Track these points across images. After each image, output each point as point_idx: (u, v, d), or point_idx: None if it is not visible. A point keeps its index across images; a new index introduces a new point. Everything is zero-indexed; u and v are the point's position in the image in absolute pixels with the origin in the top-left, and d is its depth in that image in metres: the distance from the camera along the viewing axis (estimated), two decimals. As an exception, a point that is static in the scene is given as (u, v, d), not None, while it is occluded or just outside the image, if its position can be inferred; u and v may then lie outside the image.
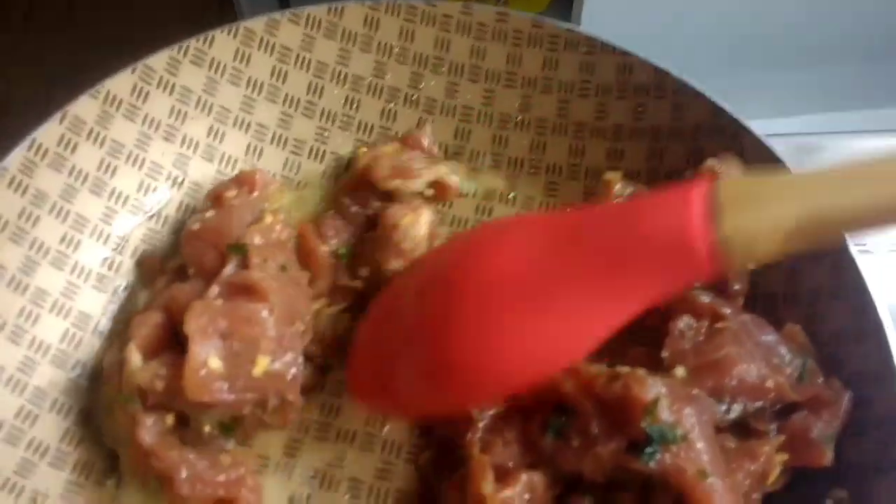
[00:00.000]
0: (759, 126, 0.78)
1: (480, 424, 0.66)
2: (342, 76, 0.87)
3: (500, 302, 0.60)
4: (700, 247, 0.54)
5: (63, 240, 0.75)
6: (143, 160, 0.80)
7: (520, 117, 0.87)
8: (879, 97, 1.13)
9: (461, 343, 0.61)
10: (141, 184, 0.80)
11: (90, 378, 0.74)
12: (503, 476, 0.63)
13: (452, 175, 0.83)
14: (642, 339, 0.71)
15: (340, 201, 0.81)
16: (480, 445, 0.65)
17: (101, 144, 0.78)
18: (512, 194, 0.87)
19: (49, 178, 0.74)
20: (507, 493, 0.61)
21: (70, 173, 0.76)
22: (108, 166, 0.78)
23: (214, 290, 0.68)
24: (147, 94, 0.79)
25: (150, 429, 0.66)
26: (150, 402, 0.66)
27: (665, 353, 0.66)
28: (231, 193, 0.77)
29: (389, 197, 0.80)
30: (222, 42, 0.82)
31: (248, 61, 0.84)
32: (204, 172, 0.83)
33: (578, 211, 0.67)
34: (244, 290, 0.68)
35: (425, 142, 0.85)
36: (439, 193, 0.83)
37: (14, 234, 0.72)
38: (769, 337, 0.67)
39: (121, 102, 0.78)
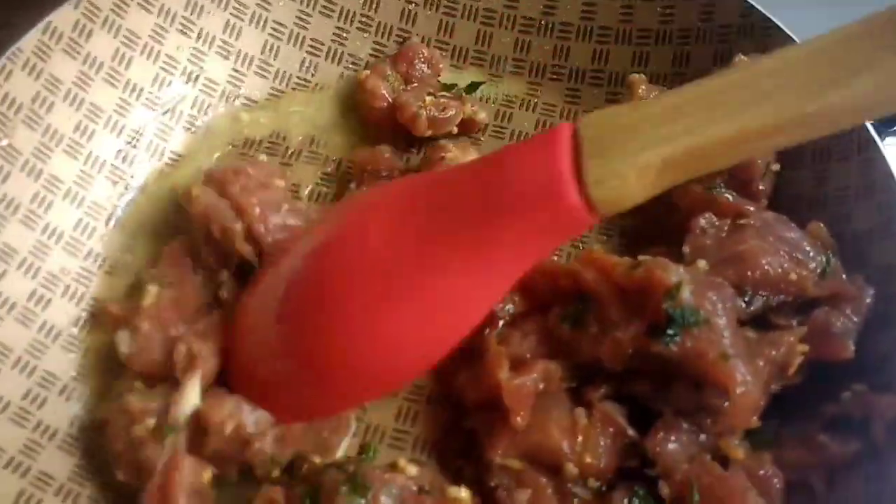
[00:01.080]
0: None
1: (500, 322, 0.66)
2: (362, -26, 0.85)
3: (372, 283, 0.58)
4: (570, 195, 0.52)
5: (77, 129, 0.74)
6: (159, 53, 0.79)
7: (543, 21, 0.85)
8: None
9: (341, 341, 0.58)
10: (156, 77, 0.79)
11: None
12: (519, 366, 0.62)
13: (480, 112, 0.82)
14: (663, 240, 0.70)
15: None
16: (498, 339, 0.64)
17: (117, 33, 0.76)
18: (534, 101, 0.85)
19: (63, 65, 0.73)
20: (522, 379, 0.60)
21: (84, 61, 0.74)
22: (123, 57, 0.77)
23: None
24: (162, -15, 0.78)
25: (185, 476, 0.58)
26: (210, 443, 0.61)
27: (686, 248, 0.65)
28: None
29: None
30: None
31: (266, -44, 0.82)
32: (220, 69, 0.82)
33: (441, 173, 0.65)
34: None
35: (419, 57, 0.83)
36: (468, 127, 0.82)
37: (28, 119, 0.71)
38: (793, 234, 0.65)
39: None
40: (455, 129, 0.81)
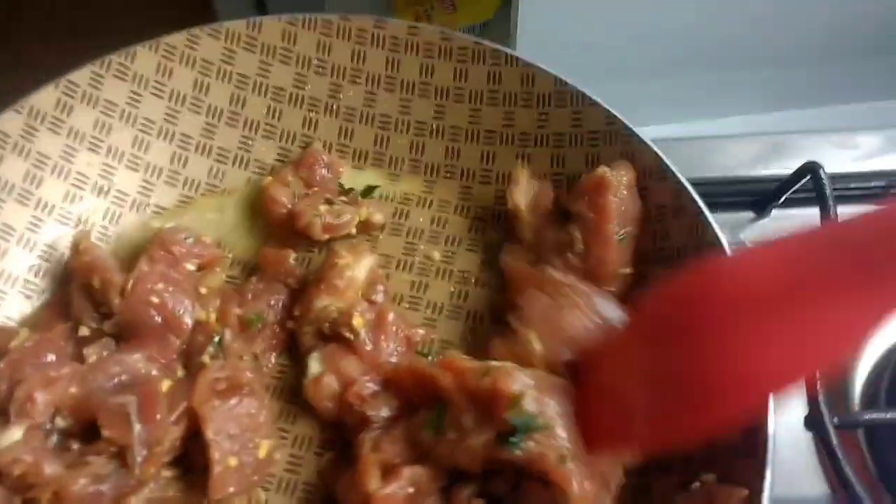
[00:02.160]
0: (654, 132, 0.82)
1: (374, 424, 0.71)
2: (264, 87, 0.91)
3: (753, 313, 0.59)
4: None
5: (-11, 247, 0.79)
6: (69, 171, 0.84)
7: (435, 125, 0.91)
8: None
9: (714, 360, 0.60)
10: (67, 194, 0.84)
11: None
12: (389, 472, 0.67)
13: (376, 214, 0.88)
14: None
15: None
16: (371, 444, 0.69)
17: (27, 157, 0.82)
18: (430, 198, 0.91)
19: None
20: (391, 488, 0.65)
21: (-4, 184, 0.80)
22: (35, 178, 0.82)
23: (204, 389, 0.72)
24: (71, 107, 0.84)
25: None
26: (3, 481, 0.67)
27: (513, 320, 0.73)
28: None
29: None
30: (144, 57, 0.86)
31: (170, 75, 0.88)
32: (130, 181, 0.88)
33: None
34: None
35: (319, 162, 0.89)
36: (365, 228, 0.88)
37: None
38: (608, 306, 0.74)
39: (44, 116, 0.82)
40: (353, 231, 0.87)
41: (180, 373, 0.77)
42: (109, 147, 0.86)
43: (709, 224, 0.76)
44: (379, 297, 0.82)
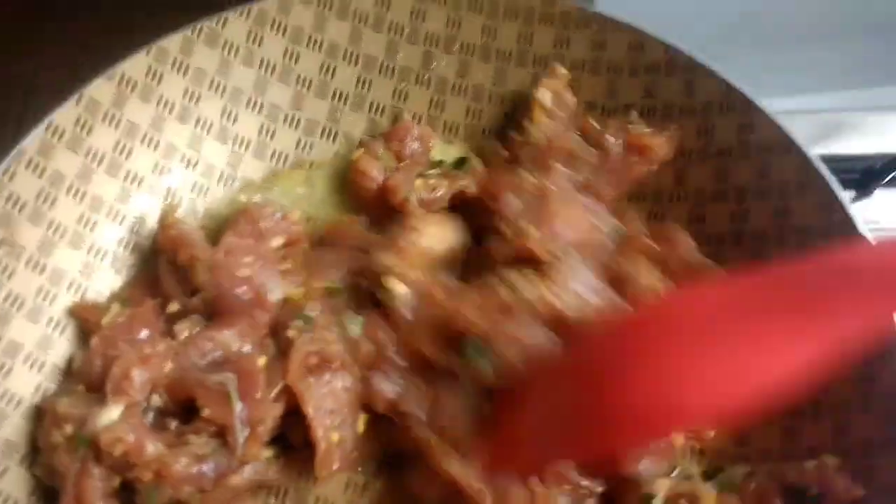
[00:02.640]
0: (781, 103, 0.77)
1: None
2: (354, 56, 0.87)
3: (682, 340, 0.58)
4: None
5: (80, 220, 0.77)
6: (159, 142, 0.82)
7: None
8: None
9: (644, 387, 0.59)
10: (156, 165, 0.82)
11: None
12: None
13: (471, 186, 0.83)
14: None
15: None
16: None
17: (117, 126, 0.79)
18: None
19: (66, 160, 0.76)
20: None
21: (87, 154, 0.77)
22: (124, 148, 0.80)
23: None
24: (161, 75, 0.81)
25: (96, 483, 0.65)
26: (103, 460, 0.65)
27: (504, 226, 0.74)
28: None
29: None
30: (235, 24, 0.83)
31: (260, 42, 0.84)
32: (218, 153, 0.85)
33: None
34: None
35: (410, 135, 0.85)
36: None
37: (32, 215, 0.74)
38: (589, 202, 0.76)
39: (136, 84, 0.79)
40: (446, 206, 0.83)
41: (272, 350, 0.74)
42: (198, 117, 0.84)
43: (840, 203, 0.71)
44: (446, 281, 0.77)
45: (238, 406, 0.67)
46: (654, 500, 0.64)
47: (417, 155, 0.86)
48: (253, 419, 0.67)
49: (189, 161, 0.83)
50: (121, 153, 0.80)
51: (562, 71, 0.84)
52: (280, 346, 0.72)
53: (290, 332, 0.72)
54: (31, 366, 0.72)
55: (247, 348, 0.72)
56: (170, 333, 0.73)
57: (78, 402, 0.68)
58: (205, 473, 0.66)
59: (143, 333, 0.73)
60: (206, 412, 0.67)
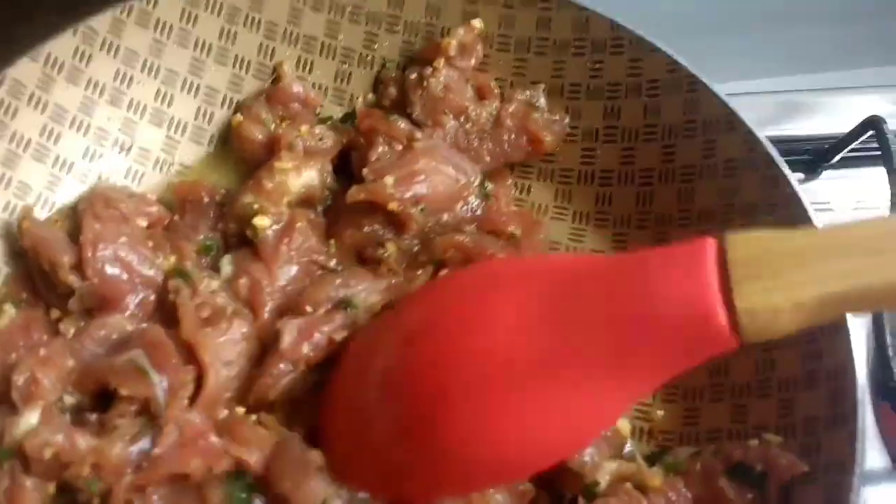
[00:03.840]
0: (731, 87, 0.77)
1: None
2: (294, 36, 0.85)
3: (493, 378, 0.53)
4: (719, 319, 0.47)
5: (5, 209, 0.74)
6: (89, 126, 0.78)
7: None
8: (858, 57, 1.11)
9: (452, 427, 0.54)
10: (86, 150, 0.78)
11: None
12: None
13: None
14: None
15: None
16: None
17: (44, 109, 0.76)
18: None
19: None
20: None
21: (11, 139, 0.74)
22: (52, 132, 0.76)
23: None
24: (90, 56, 0.77)
25: (31, 493, 0.62)
26: (32, 468, 0.62)
27: (366, 171, 0.73)
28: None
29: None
30: (168, 3, 0.80)
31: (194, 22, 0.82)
32: (153, 138, 0.82)
33: (576, 260, 0.60)
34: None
35: (292, 96, 0.83)
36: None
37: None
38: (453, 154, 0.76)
39: (62, 66, 0.76)
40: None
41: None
42: (131, 100, 0.80)
43: (784, 177, 0.70)
44: (311, 215, 0.77)
45: (155, 377, 0.65)
46: (597, 487, 0.63)
47: (302, 114, 0.83)
48: (174, 386, 0.65)
49: (122, 146, 0.80)
50: (48, 137, 0.76)
51: (476, 24, 0.82)
52: (171, 315, 0.70)
53: (171, 294, 0.70)
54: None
55: (144, 325, 0.70)
56: (57, 334, 0.70)
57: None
58: (142, 451, 0.63)
59: (38, 335, 0.70)
60: (124, 392, 0.64)
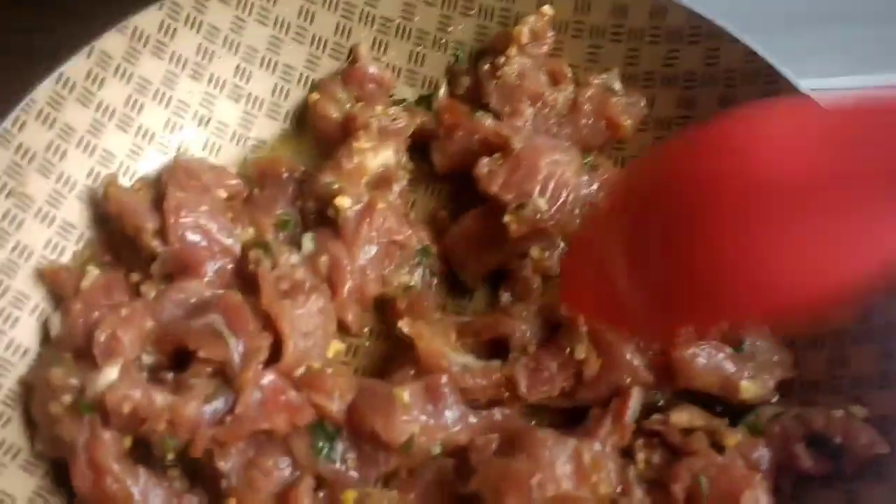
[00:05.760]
0: (816, 83, 0.76)
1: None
2: (370, 17, 0.86)
3: (762, 209, 0.50)
4: None
5: (90, 174, 0.76)
6: (171, 98, 0.81)
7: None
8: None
9: (713, 257, 0.52)
10: (167, 122, 0.81)
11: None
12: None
13: (431, 123, 0.83)
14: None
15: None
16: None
17: (129, 81, 0.78)
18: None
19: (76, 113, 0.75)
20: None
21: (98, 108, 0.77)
22: (136, 103, 0.79)
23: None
24: (175, 30, 0.79)
25: (108, 446, 0.64)
26: (111, 422, 0.64)
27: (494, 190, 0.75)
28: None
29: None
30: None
31: (275, 1, 0.83)
32: (231, 112, 0.84)
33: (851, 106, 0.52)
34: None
35: (367, 76, 0.84)
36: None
37: (41, 167, 0.73)
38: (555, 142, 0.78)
39: (148, 39, 0.78)
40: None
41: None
42: (211, 75, 0.82)
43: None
44: (389, 196, 0.78)
45: (232, 340, 0.67)
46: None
47: (377, 95, 0.84)
48: (249, 350, 0.67)
49: (201, 119, 0.82)
50: (132, 108, 0.79)
51: (547, 10, 0.83)
52: (248, 284, 0.72)
53: (251, 264, 0.72)
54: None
55: (221, 292, 0.72)
56: (138, 296, 0.73)
57: (69, 370, 0.67)
58: (216, 411, 0.65)
59: (119, 296, 0.73)
60: (202, 354, 0.67)
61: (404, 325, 0.71)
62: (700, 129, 0.54)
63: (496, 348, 0.73)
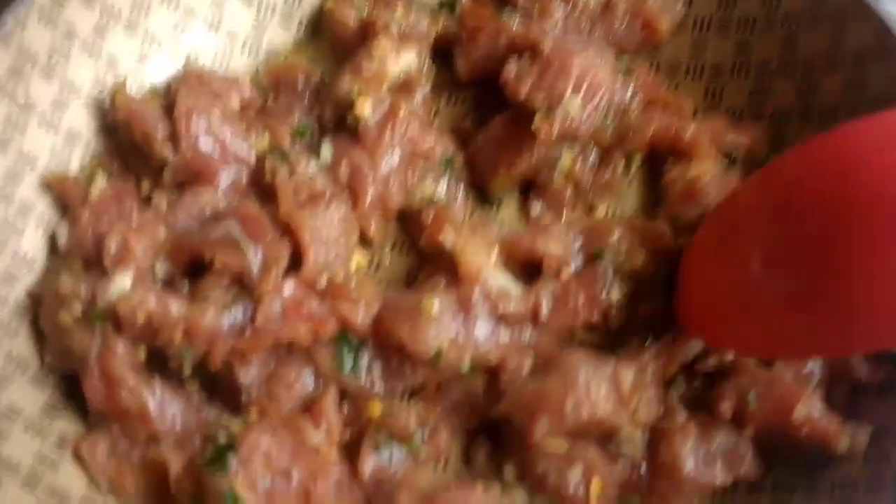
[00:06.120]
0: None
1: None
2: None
3: None
4: None
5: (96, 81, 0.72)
6: (179, 1, 0.76)
7: None
8: None
9: (859, 277, 0.49)
10: (176, 25, 0.76)
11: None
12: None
13: (453, 28, 0.77)
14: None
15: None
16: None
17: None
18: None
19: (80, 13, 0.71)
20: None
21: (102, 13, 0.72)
22: (142, 5, 0.74)
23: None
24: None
25: (121, 357, 0.61)
26: (124, 332, 0.62)
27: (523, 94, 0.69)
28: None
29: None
30: None
31: None
32: (241, 18, 0.79)
33: None
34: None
35: None
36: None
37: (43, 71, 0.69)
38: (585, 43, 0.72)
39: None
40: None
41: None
42: (221, -23, 0.78)
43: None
44: (412, 103, 0.73)
45: (250, 248, 0.63)
46: None
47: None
48: (268, 259, 0.63)
49: (211, 23, 0.78)
50: (139, 11, 0.74)
51: None
52: (264, 194, 0.69)
53: (268, 173, 0.68)
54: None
55: (236, 202, 0.68)
56: (149, 206, 0.69)
57: (79, 279, 0.64)
58: (235, 321, 0.62)
59: (129, 206, 0.69)
60: (218, 262, 0.63)
61: (446, 236, 0.67)
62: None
63: (530, 270, 0.69)
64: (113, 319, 0.61)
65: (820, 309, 0.51)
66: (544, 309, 0.66)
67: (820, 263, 0.50)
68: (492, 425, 0.66)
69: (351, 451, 0.63)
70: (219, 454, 0.57)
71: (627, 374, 0.61)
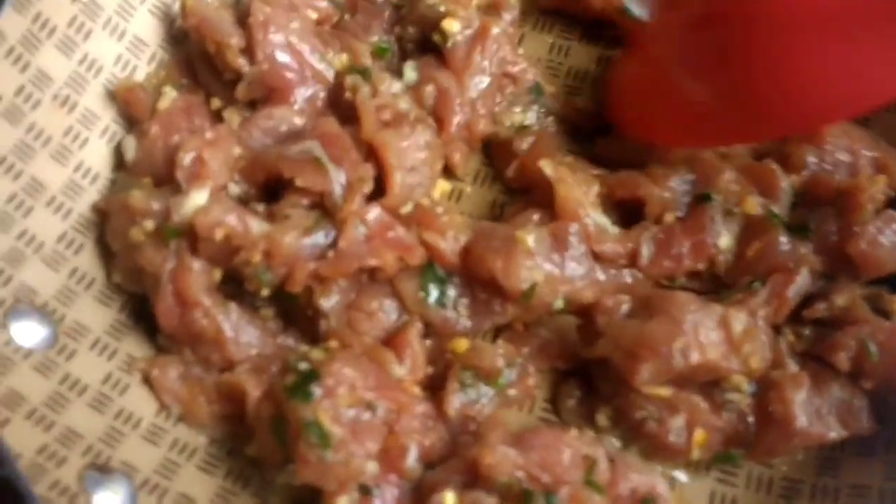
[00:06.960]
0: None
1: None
2: None
3: (812, 25, 0.53)
4: None
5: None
6: None
7: None
8: None
9: (761, 70, 0.54)
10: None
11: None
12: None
13: None
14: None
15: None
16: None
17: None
18: None
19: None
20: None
21: None
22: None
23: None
24: None
25: (196, 276, 0.57)
26: (201, 250, 0.57)
27: None
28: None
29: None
30: None
31: None
32: None
33: None
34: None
35: None
36: None
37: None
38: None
39: None
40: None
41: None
42: None
43: None
44: (501, 23, 0.68)
45: (332, 169, 0.59)
46: None
47: None
48: (352, 181, 0.59)
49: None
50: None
51: None
52: (343, 115, 0.64)
53: (348, 92, 0.63)
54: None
55: (312, 123, 0.64)
56: (220, 122, 0.65)
57: (150, 194, 0.60)
58: (316, 245, 0.58)
59: (199, 121, 0.64)
60: (299, 182, 0.59)
61: (546, 166, 0.62)
62: None
63: (630, 212, 0.65)
64: (188, 237, 0.57)
65: (731, 95, 0.58)
66: (645, 253, 0.62)
67: (731, 55, 0.57)
68: (581, 368, 0.62)
69: (434, 389, 0.59)
70: (302, 382, 0.53)
71: (739, 318, 0.56)
